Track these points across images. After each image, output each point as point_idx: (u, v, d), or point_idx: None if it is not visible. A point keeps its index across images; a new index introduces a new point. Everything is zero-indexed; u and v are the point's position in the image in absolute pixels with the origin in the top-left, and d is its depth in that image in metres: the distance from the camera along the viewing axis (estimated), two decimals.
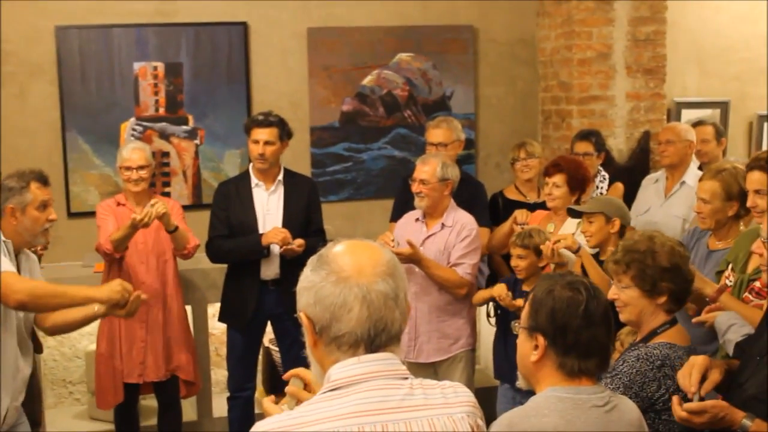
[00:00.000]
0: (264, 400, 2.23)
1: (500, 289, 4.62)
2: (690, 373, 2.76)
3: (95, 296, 3.69)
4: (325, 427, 1.84)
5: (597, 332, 2.46)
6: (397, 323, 1.94)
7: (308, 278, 1.96)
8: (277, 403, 2.21)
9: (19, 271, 3.78)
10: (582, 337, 2.44)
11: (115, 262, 4.98)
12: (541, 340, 2.47)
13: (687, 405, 2.67)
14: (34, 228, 3.83)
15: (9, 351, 3.72)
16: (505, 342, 4.78)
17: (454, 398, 1.97)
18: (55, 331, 3.99)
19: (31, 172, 3.90)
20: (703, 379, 2.76)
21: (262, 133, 5.02)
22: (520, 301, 4.49)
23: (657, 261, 3.09)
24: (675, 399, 2.72)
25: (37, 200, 3.81)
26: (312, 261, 1.99)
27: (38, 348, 5.03)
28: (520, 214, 5.15)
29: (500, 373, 4.85)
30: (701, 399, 2.70)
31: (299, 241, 4.93)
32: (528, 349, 2.52)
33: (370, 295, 1.90)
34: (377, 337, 1.91)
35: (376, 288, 1.91)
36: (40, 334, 5.08)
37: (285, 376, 2.46)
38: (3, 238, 3.72)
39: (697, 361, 2.80)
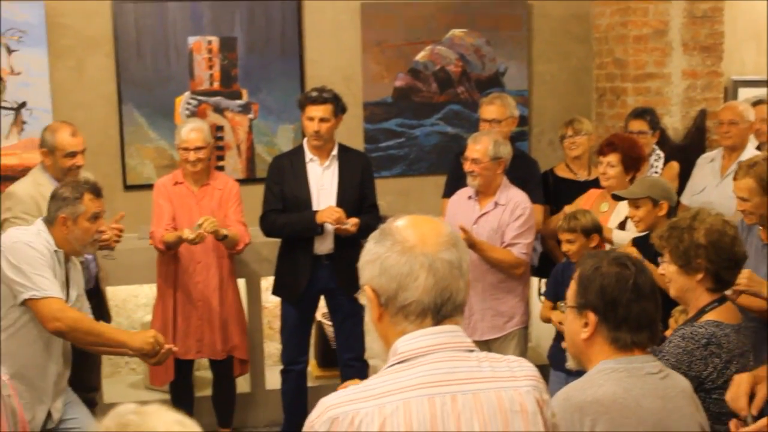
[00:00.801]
0: None
1: (558, 316, 4.61)
2: (737, 395, 2.77)
3: (128, 343, 3.84)
4: (394, 398, 1.87)
5: (646, 305, 2.49)
6: (461, 293, 1.98)
7: (372, 251, 2.00)
8: None
9: (67, 279, 3.95)
10: (633, 311, 2.47)
11: None
12: (591, 317, 2.49)
13: (744, 430, 2.69)
14: (84, 238, 3.94)
15: (52, 365, 3.91)
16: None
17: (520, 372, 2.00)
18: (83, 347, 4.10)
19: (86, 183, 4.03)
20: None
21: (317, 110, 5.04)
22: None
23: (693, 237, 3.09)
24: (732, 424, 2.74)
25: (89, 212, 3.92)
26: (374, 235, 2.03)
27: (107, 318, 5.18)
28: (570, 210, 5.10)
29: (553, 358, 4.83)
30: (755, 418, 2.71)
31: (354, 221, 4.96)
32: (578, 327, 2.54)
33: (436, 264, 1.93)
34: (443, 306, 1.95)
35: (441, 256, 1.94)
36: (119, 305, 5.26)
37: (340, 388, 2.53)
38: (56, 247, 3.86)
39: (743, 380, 2.80)
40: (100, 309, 5.08)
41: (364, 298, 2.02)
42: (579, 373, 2.60)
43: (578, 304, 2.54)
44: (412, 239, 1.96)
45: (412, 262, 1.93)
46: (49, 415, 3.91)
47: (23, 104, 5.95)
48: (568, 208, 5.07)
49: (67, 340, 3.89)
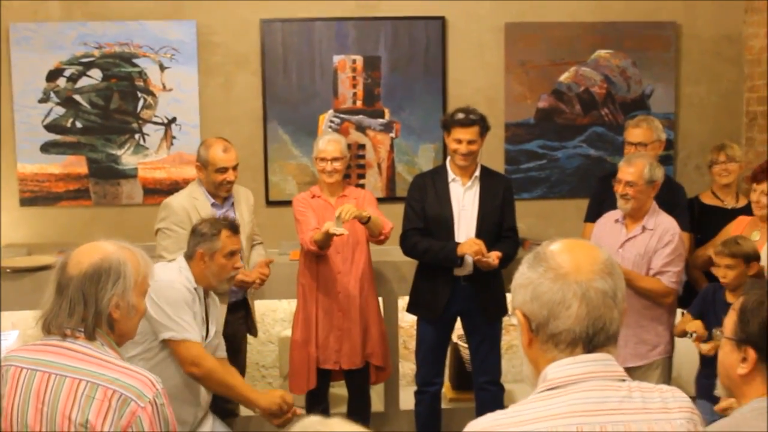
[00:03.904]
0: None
1: (696, 326, 4.54)
2: None
3: (257, 401, 4.02)
4: (542, 426, 1.85)
5: None
6: (615, 323, 1.95)
7: (524, 275, 1.99)
8: None
9: (207, 315, 4.10)
10: None
11: (311, 252, 5.12)
12: (751, 354, 2.38)
13: None
14: (221, 274, 4.10)
15: (190, 397, 4.05)
16: (707, 357, 4.68)
17: (673, 403, 1.97)
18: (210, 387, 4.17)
19: (224, 220, 4.20)
20: None
21: (465, 133, 5.04)
22: (711, 346, 4.43)
23: None
24: None
25: (226, 248, 4.09)
26: (528, 258, 2.01)
27: (253, 331, 5.30)
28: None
29: (700, 386, 4.72)
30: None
31: (496, 254, 4.92)
32: (734, 360, 2.44)
33: (589, 293, 1.91)
34: (595, 337, 1.93)
35: (594, 286, 1.92)
36: (257, 319, 5.39)
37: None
38: (195, 284, 4.01)
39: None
40: (247, 322, 5.20)
41: (515, 320, 2.01)
42: None
43: (738, 337, 2.43)
44: (566, 266, 1.94)
45: (565, 290, 1.92)
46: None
47: (173, 119, 6.17)
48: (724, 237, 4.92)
49: (200, 384, 4.02)
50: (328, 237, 4.89)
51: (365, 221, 4.99)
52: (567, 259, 1.95)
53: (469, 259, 5.01)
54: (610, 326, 1.94)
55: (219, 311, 4.30)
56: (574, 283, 1.92)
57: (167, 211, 4.88)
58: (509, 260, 5.08)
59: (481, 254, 4.88)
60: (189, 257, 4.08)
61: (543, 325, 1.94)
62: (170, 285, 3.91)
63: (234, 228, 4.15)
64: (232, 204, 5.09)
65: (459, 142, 5.06)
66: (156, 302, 3.86)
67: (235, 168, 4.98)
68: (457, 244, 5.00)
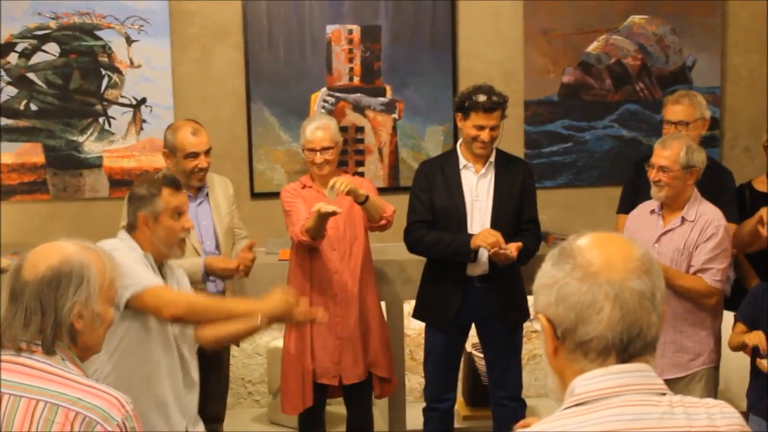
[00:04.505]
0: None
1: (757, 338, 4.55)
2: None
3: (258, 308, 3.90)
4: None
5: None
6: (653, 328, 1.93)
7: (548, 274, 1.97)
8: None
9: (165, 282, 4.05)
10: None
11: (303, 248, 5.15)
12: None
13: None
14: (169, 238, 4.02)
15: (166, 381, 3.97)
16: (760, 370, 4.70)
17: (722, 419, 1.95)
18: (215, 345, 4.20)
19: (164, 177, 4.16)
20: None
21: (488, 119, 5.01)
22: None
23: None
24: None
25: (169, 207, 4.00)
26: (552, 255, 2.00)
27: (235, 343, 5.31)
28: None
29: (752, 400, 4.73)
30: None
31: (515, 245, 4.92)
32: None
33: (623, 294, 1.89)
34: (631, 344, 1.91)
35: (630, 286, 1.90)
36: None
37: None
38: (142, 252, 3.96)
39: None
40: None
41: (538, 326, 2.01)
42: None
43: None
44: (596, 263, 1.92)
45: (596, 291, 1.90)
46: None
47: (143, 100, 6.18)
48: (765, 212, 4.91)
49: (189, 323, 3.94)
50: (322, 220, 4.89)
51: (362, 201, 5.00)
52: (597, 255, 1.94)
53: (484, 256, 5.03)
54: (647, 332, 1.93)
55: (185, 277, 4.21)
56: (605, 282, 1.90)
57: None
58: (530, 256, 5.09)
59: (498, 246, 4.89)
60: (131, 227, 4.02)
61: (570, 331, 1.93)
62: (113, 250, 3.89)
63: (176, 184, 4.08)
64: (207, 194, 5.10)
65: (480, 128, 5.03)
66: None
67: (207, 153, 5.00)
68: (471, 235, 5.02)
